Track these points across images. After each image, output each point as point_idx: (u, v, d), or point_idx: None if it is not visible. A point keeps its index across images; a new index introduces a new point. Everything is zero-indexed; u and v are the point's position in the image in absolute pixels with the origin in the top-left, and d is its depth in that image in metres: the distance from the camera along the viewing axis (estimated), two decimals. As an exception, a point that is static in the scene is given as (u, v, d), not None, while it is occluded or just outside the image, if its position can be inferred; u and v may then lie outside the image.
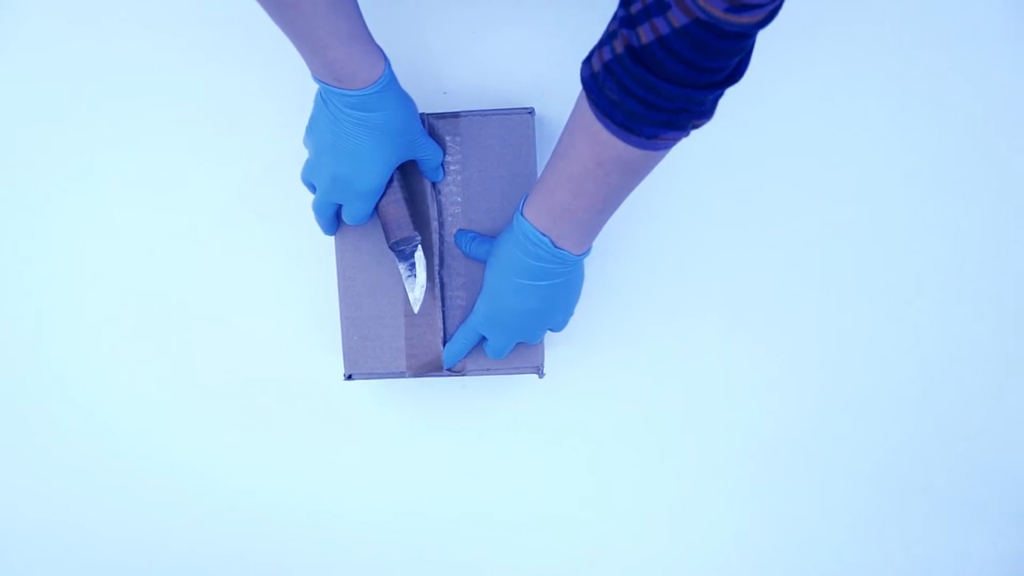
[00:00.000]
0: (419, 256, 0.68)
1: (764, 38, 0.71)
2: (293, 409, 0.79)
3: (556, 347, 0.78)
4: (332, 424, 0.79)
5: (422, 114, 0.68)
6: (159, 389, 0.80)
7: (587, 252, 0.61)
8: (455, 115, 0.69)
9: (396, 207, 0.66)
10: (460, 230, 0.69)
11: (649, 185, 0.74)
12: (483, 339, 0.68)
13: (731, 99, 0.68)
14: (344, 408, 0.79)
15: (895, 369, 0.79)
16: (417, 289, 0.68)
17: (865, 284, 0.78)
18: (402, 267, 0.68)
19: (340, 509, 0.81)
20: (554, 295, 0.63)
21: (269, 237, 0.78)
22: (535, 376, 0.71)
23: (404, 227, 0.67)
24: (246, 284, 0.79)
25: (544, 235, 0.58)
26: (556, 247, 0.59)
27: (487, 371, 0.70)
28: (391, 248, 0.67)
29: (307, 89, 0.64)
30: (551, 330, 0.68)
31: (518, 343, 0.68)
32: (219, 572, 0.82)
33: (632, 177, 0.55)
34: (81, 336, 0.80)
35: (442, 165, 0.69)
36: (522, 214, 0.60)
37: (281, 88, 0.76)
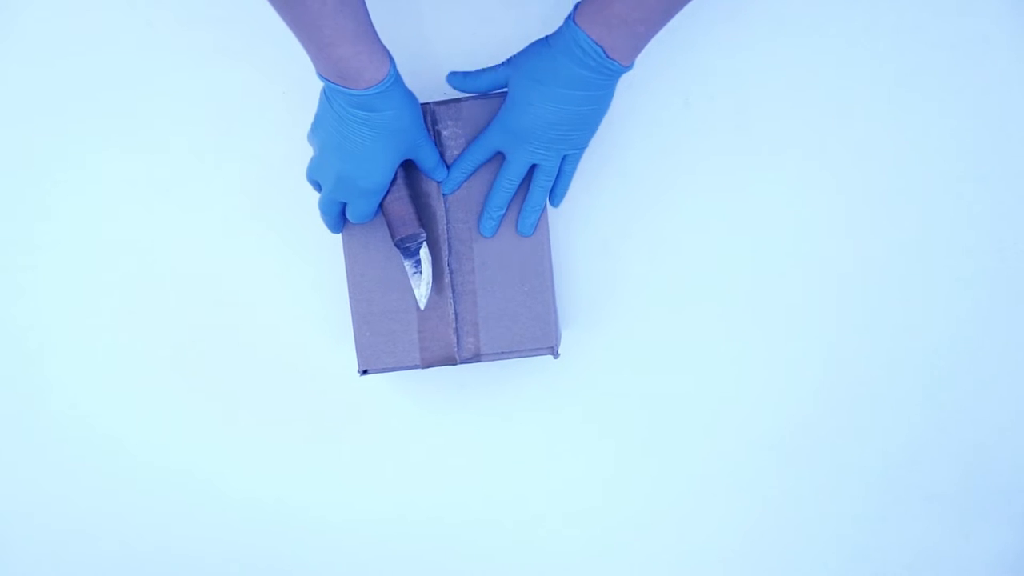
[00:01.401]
0: (424, 253, 0.68)
1: (765, 39, 0.73)
2: (308, 406, 0.79)
3: (570, 328, 0.77)
4: (347, 419, 0.79)
5: (424, 103, 0.68)
6: (172, 391, 0.80)
7: (631, 66, 0.61)
8: (457, 101, 0.69)
9: (400, 204, 0.66)
10: (451, 72, 0.67)
11: (673, 169, 0.75)
12: (498, 161, 0.67)
13: (741, 100, 0.69)
14: (358, 402, 0.79)
15: (904, 370, 0.79)
16: (423, 286, 0.68)
17: (877, 287, 0.78)
18: (407, 264, 0.68)
19: (359, 503, 0.81)
20: (586, 107, 0.62)
21: (277, 236, 0.78)
22: (550, 357, 0.71)
23: (409, 224, 0.67)
24: (256, 284, 0.78)
25: (597, 44, 0.58)
26: (608, 56, 0.59)
27: (502, 355, 0.70)
28: (396, 245, 0.67)
29: (314, 87, 0.63)
30: (556, 189, 0.68)
31: (524, 205, 0.67)
32: (238, 572, 0.82)
33: None
34: (91, 337, 0.80)
35: (444, 163, 0.68)
36: (574, 22, 0.59)
37: (288, 86, 0.75)
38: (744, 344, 0.79)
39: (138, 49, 0.76)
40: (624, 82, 0.66)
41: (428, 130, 0.67)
